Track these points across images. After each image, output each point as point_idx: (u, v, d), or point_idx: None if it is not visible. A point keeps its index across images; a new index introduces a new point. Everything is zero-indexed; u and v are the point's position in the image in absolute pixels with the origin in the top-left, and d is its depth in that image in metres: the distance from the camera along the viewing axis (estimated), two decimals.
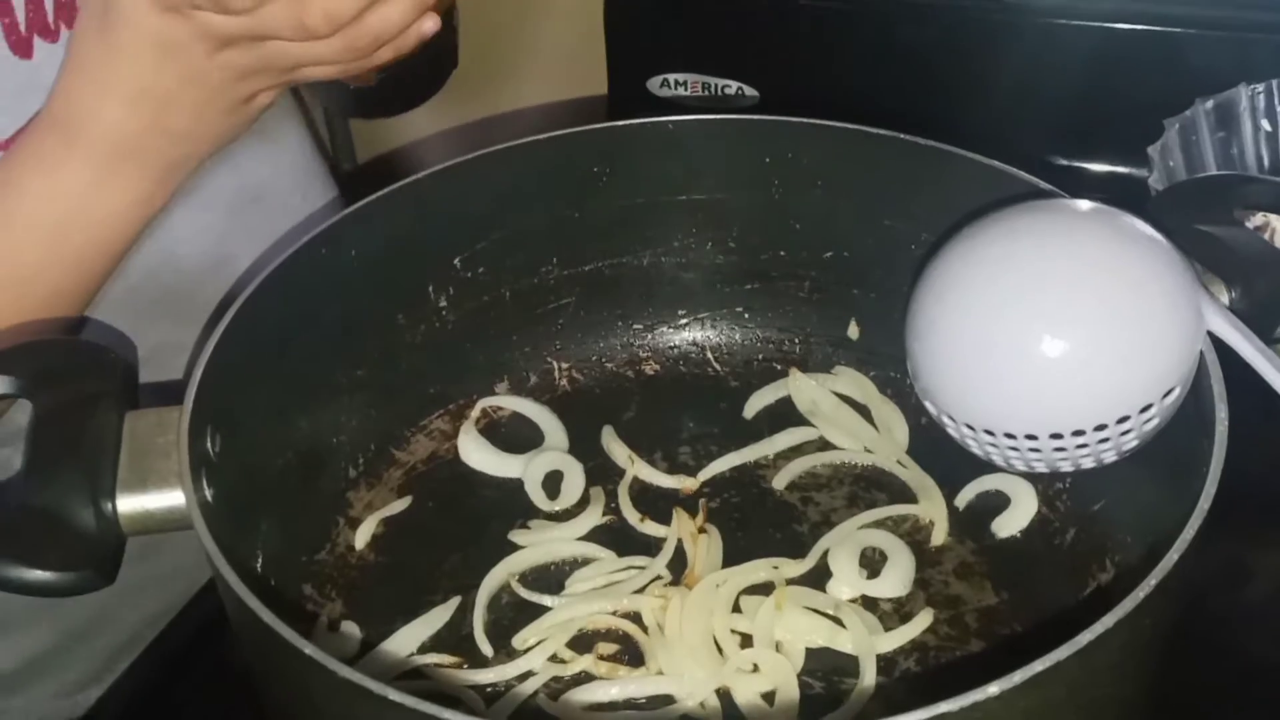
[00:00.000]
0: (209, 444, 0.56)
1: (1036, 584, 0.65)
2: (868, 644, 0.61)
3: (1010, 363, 0.56)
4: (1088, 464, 0.57)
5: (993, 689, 0.42)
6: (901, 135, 0.70)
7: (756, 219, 0.75)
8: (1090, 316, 0.55)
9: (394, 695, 0.43)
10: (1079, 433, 0.56)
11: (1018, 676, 0.43)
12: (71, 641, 0.80)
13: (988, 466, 0.61)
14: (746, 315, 0.78)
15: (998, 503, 0.68)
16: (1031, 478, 0.68)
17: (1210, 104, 0.87)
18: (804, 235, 0.75)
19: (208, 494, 0.54)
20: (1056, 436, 0.56)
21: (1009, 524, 0.67)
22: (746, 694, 0.60)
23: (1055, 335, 0.55)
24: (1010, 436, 0.57)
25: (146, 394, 0.59)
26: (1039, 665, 0.43)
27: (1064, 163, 0.99)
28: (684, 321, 0.79)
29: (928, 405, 0.60)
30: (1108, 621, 0.44)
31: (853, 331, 0.76)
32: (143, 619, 0.81)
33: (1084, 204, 0.59)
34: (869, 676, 0.60)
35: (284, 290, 0.64)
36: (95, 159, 0.61)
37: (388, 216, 0.69)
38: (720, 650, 0.62)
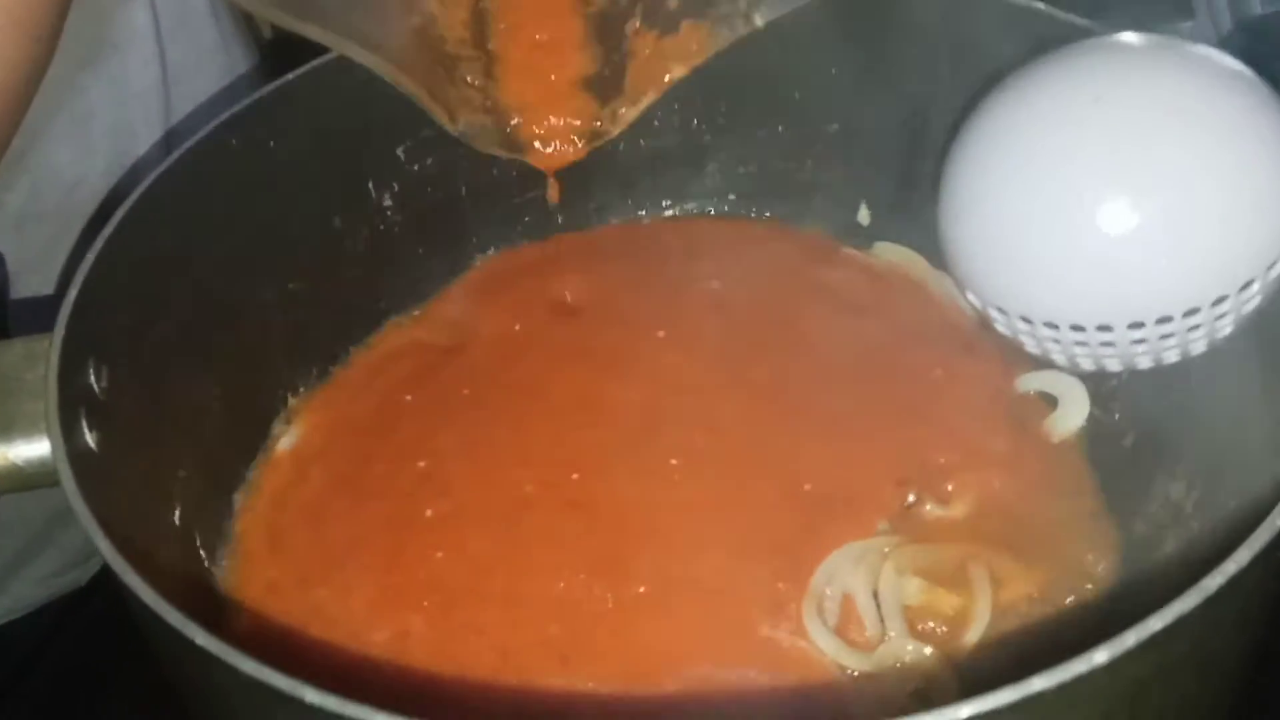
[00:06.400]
0: (93, 379, 0.47)
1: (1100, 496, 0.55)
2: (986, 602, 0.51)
3: (1076, 239, 0.46)
4: (1172, 357, 0.48)
5: (1100, 656, 0.32)
6: None
7: (748, 88, 0.66)
8: (1174, 176, 0.45)
9: (311, 696, 0.33)
10: (1165, 320, 0.45)
11: (1130, 639, 0.33)
12: None
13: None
14: (739, 202, 0.70)
15: (1048, 404, 0.59)
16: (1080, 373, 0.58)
17: None
18: (804, 106, 0.67)
19: (90, 440, 0.45)
20: (1137, 326, 0.46)
21: (1062, 425, 0.58)
22: None
23: (1132, 202, 0.45)
24: (1078, 329, 0.47)
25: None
26: (1156, 623, 0.33)
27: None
28: (669, 213, 0.71)
29: (970, 297, 0.50)
30: (1241, 558, 0.34)
31: (863, 216, 0.69)
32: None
33: (1154, 38, 0.48)
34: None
35: (185, 189, 0.55)
36: None
37: (314, 97, 0.60)
38: None
